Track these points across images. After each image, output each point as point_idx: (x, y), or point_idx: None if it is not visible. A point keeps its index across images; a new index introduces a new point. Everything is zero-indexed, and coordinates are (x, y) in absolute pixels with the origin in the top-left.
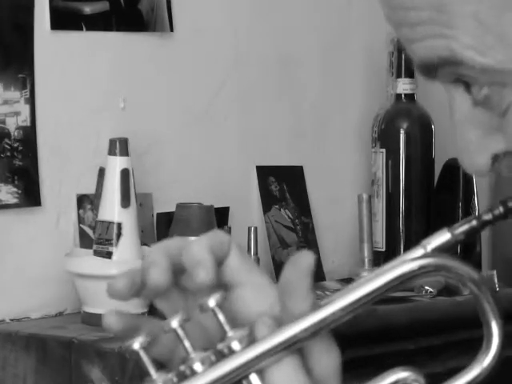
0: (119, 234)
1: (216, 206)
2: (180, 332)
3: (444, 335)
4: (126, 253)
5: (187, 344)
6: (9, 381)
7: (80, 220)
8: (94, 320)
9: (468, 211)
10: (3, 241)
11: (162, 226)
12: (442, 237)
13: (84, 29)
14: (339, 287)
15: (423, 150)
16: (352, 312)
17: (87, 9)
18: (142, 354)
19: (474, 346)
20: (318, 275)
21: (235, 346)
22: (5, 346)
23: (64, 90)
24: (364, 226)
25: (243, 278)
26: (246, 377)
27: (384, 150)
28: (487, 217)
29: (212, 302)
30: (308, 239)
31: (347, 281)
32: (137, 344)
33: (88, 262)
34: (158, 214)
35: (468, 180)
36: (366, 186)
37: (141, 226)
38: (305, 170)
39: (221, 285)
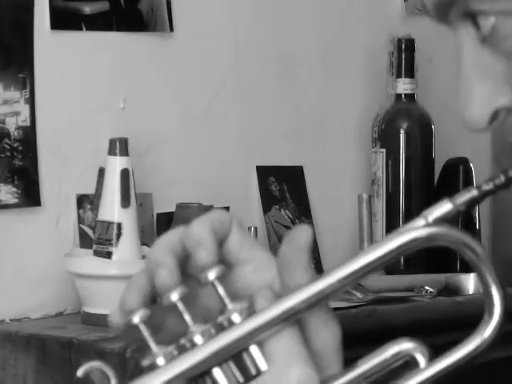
0: (119, 234)
1: (216, 206)
2: (180, 305)
3: (444, 335)
4: (126, 253)
5: (187, 317)
6: (9, 381)
7: (80, 220)
8: (93, 320)
9: (468, 211)
10: (3, 241)
11: (162, 226)
12: (444, 207)
13: (84, 29)
14: None
15: (423, 150)
16: (350, 283)
17: (87, 9)
18: (142, 328)
19: None
20: (318, 275)
21: (235, 318)
22: (5, 345)
23: (64, 90)
24: (364, 226)
25: (244, 256)
26: (246, 348)
27: (384, 150)
28: (488, 186)
29: (212, 275)
30: None
31: None
32: (136, 318)
33: (88, 262)
34: (158, 214)
35: (468, 180)
36: (366, 185)
37: (141, 225)
38: (305, 169)
39: (223, 263)
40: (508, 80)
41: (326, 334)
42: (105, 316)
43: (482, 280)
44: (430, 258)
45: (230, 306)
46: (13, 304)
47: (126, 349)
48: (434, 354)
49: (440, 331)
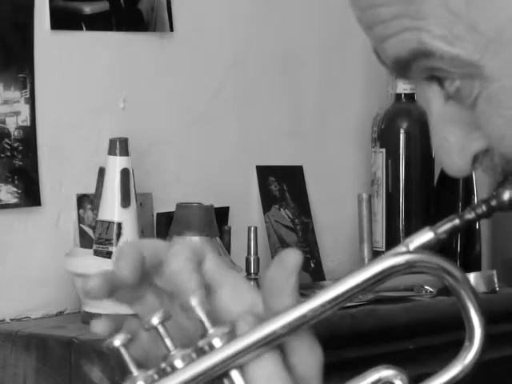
0: (119, 234)
1: (216, 206)
2: (161, 329)
3: (444, 335)
4: None
5: (168, 341)
6: (9, 381)
7: (80, 220)
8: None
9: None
10: (3, 241)
11: (162, 226)
12: (425, 236)
13: (84, 29)
14: None
15: (423, 149)
16: (332, 308)
17: (87, 9)
18: (123, 351)
19: None
20: (318, 275)
21: (216, 342)
22: (5, 345)
23: (64, 90)
24: (364, 226)
25: (221, 279)
26: (227, 373)
27: (384, 150)
28: (470, 215)
29: (194, 301)
30: (308, 239)
31: None
32: (117, 341)
33: (88, 262)
34: (158, 214)
35: (468, 180)
36: (365, 185)
37: (141, 225)
38: (305, 169)
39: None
40: (476, 126)
41: (309, 359)
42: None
43: (462, 306)
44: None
45: (211, 330)
46: (13, 304)
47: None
48: (431, 356)
49: (440, 331)
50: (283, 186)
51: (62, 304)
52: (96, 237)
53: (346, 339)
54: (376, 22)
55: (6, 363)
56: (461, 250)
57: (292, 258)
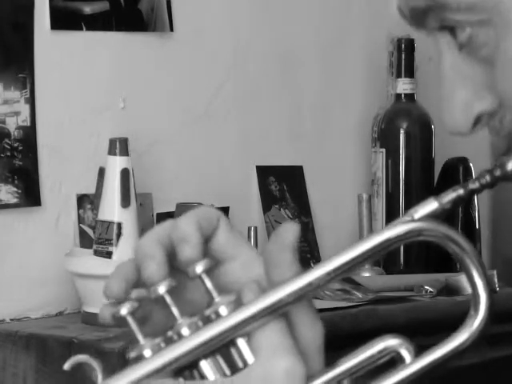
0: (119, 234)
1: (216, 206)
2: (167, 298)
3: (444, 335)
4: (126, 253)
5: (175, 310)
6: (9, 381)
7: (80, 220)
8: (94, 320)
9: (468, 211)
10: (3, 241)
11: None
12: (429, 205)
13: (84, 29)
14: (339, 287)
15: (423, 149)
16: (337, 276)
17: (87, 9)
18: (130, 320)
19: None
20: None
21: (222, 311)
22: (5, 345)
23: (64, 90)
24: (364, 226)
25: (232, 252)
26: (233, 341)
27: (384, 150)
28: (474, 185)
29: (199, 269)
30: (308, 239)
31: (347, 280)
32: (124, 310)
33: (88, 262)
34: (158, 214)
35: (468, 180)
36: (366, 185)
37: (141, 225)
38: (305, 169)
39: (211, 258)
40: (487, 85)
41: (310, 333)
42: None
43: (467, 275)
44: (429, 257)
45: (217, 299)
46: (13, 304)
47: (126, 349)
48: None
49: (440, 331)
50: (283, 186)
51: (62, 304)
52: (96, 237)
53: (346, 339)
54: None
55: (6, 363)
56: None
57: (289, 231)
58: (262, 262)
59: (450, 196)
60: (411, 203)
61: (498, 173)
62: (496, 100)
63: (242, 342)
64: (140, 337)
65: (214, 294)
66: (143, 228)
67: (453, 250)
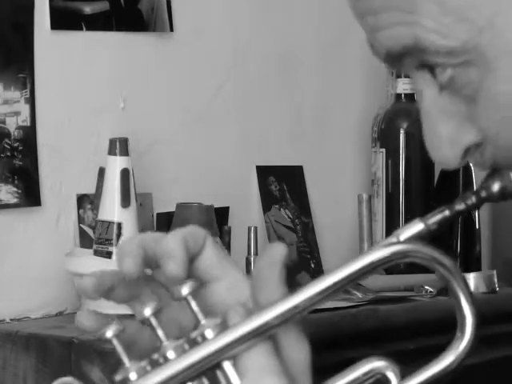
0: (119, 234)
1: (216, 206)
2: (153, 320)
3: (444, 335)
4: None
5: (160, 332)
6: (9, 381)
7: (80, 220)
8: None
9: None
10: (3, 241)
11: (162, 226)
12: (415, 227)
13: (84, 29)
14: None
15: (423, 149)
16: (324, 299)
17: (87, 9)
18: (115, 342)
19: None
20: (318, 275)
21: (208, 334)
22: (5, 345)
23: (64, 90)
24: (364, 226)
25: (217, 273)
26: (219, 364)
27: (384, 150)
28: (460, 207)
29: (185, 291)
30: (308, 239)
31: None
32: (110, 332)
33: (88, 262)
34: (158, 214)
35: (468, 180)
36: (366, 185)
37: (141, 225)
38: (305, 170)
39: (196, 279)
40: (469, 118)
41: (297, 355)
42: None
43: (454, 297)
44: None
45: (203, 321)
46: (13, 304)
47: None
48: (431, 356)
49: (440, 331)
50: (283, 186)
51: (62, 304)
52: (96, 237)
53: (346, 339)
54: (367, 12)
55: (6, 363)
56: (461, 250)
57: (277, 251)
58: (248, 283)
59: (435, 217)
60: (411, 203)
61: (483, 194)
62: (480, 132)
63: (228, 365)
64: (126, 359)
65: (200, 316)
66: (143, 228)
67: (439, 272)
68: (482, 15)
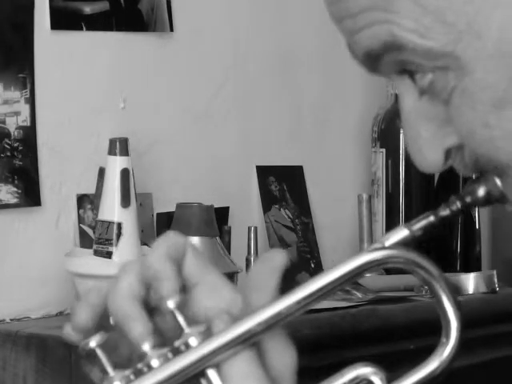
0: (119, 234)
1: (216, 206)
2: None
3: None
4: (126, 253)
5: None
6: (9, 381)
7: (80, 220)
8: None
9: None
10: (3, 241)
11: (162, 226)
12: (400, 233)
13: (84, 29)
14: None
15: None
16: (308, 305)
17: (87, 9)
18: (99, 352)
19: (473, 345)
20: None
21: (192, 342)
22: (5, 345)
23: (64, 90)
24: (364, 226)
25: (199, 278)
26: (203, 372)
27: (384, 150)
28: (444, 212)
29: (171, 304)
30: (308, 239)
31: None
32: (93, 342)
33: (88, 262)
34: (158, 214)
35: (467, 179)
36: (366, 185)
37: (141, 225)
38: (305, 169)
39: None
40: (449, 121)
41: (282, 361)
42: None
43: (437, 301)
44: (429, 258)
45: (187, 329)
46: (13, 304)
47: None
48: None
49: (440, 331)
50: (283, 186)
51: (62, 304)
52: (96, 237)
53: (346, 339)
54: (345, 15)
55: (6, 363)
56: (461, 250)
57: (278, 257)
58: (229, 288)
59: (420, 223)
60: (411, 203)
61: (468, 199)
62: (459, 134)
63: (212, 373)
64: (109, 369)
65: (184, 324)
66: (143, 228)
67: (421, 277)
68: (461, 19)
